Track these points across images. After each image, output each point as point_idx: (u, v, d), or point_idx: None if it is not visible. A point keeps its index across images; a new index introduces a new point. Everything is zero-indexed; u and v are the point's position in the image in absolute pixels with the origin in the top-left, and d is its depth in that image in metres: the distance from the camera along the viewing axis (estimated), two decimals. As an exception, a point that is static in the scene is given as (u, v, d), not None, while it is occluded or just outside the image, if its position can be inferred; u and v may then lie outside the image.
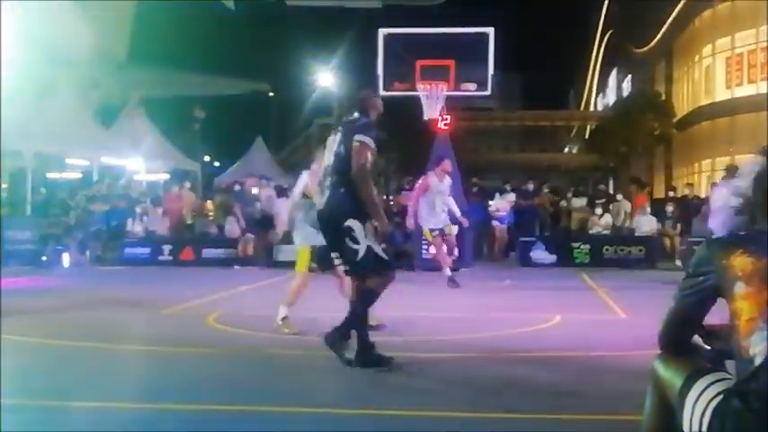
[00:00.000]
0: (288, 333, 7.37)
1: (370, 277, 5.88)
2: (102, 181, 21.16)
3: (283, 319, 7.53)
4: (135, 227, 18.48)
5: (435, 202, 12.33)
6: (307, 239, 7.56)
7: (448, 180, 12.49)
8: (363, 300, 5.91)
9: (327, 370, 6.03)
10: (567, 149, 64.98)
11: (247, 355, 6.66)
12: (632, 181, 24.38)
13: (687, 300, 2.57)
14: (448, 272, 12.34)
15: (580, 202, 19.67)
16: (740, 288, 2.34)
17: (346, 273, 6.35)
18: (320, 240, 6.71)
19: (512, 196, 19.18)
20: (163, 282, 14.00)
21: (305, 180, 7.79)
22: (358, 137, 5.85)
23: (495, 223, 18.50)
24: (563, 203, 20.15)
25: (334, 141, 6.04)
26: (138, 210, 18.98)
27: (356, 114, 6.17)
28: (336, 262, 6.29)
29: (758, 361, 2.24)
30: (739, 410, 2.23)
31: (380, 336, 6.91)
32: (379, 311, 6.82)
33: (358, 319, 5.90)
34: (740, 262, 2.37)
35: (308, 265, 7.57)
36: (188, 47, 33.72)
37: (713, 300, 2.51)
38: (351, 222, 5.80)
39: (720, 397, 2.31)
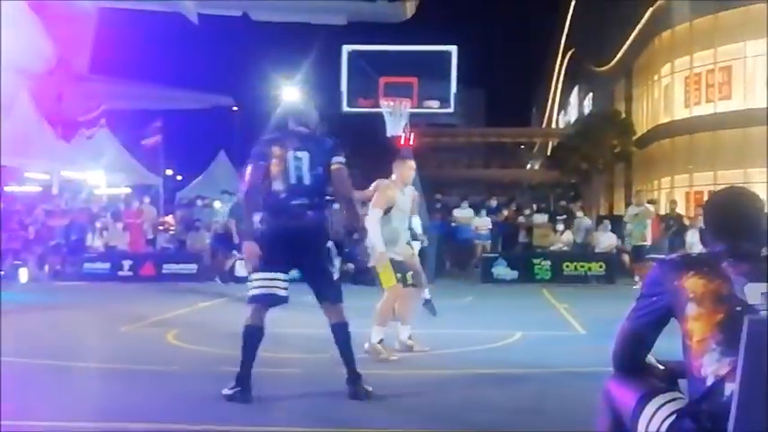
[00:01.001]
0: (385, 358, 7.12)
1: (338, 304, 5.74)
2: (61, 195, 20.90)
3: (380, 341, 7.26)
4: (95, 241, 18.27)
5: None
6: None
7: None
8: (349, 338, 5.71)
9: (287, 387, 6.01)
10: (529, 166, 65.68)
11: (205, 373, 6.58)
12: (574, 198, 24.86)
13: (640, 320, 2.59)
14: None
15: (542, 218, 19.90)
16: (692, 309, 2.38)
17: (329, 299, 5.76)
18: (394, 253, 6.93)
19: (469, 212, 19.40)
20: (123, 298, 13.83)
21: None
22: (338, 158, 5.64)
23: (476, 241, 18.64)
24: (521, 219, 20.36)
25: (292, 156, 5.60)
26: (98, 224, 18.76)
27: (305, 128, 5.79)
28: (284, 285, 5.72)
29: (710, 381, 2.29)
30: (692, 431, 2.26)
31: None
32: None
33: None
34: (692, 283, 2.41)
35: (396, 276, 7.26)
36: (151, 60, 33.54)
37: (666, 320, 2.55)
38: (330, 245, 5.70)
39: (674, 417, 2.34)
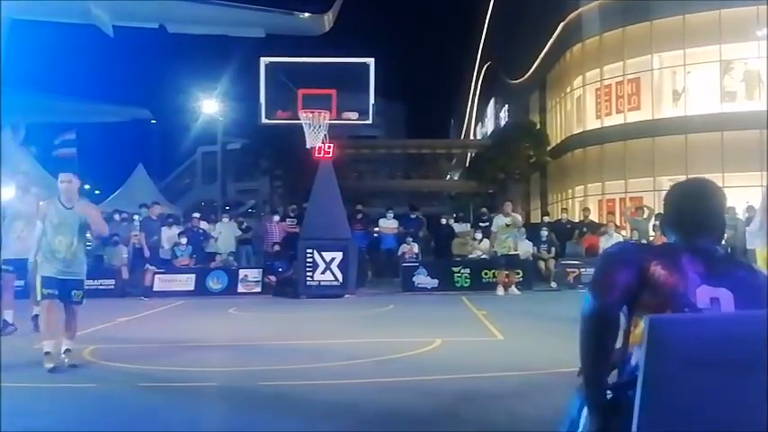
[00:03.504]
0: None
1: None
2: (-30, 211, 20.19)
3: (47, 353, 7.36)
4: (8, 258, 17.72)
5: (11, 227, 10.13)
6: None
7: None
8: None
9: (203, 399, 6.02)
10: (448, 176, 66.44)
11: (121, 389, 6.53)
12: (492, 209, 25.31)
13: (610, 298, 2.40)
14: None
15: (462, 227, 20.14)
16: (645, 297, 2.37)
17: None
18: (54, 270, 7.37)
19: (394, 222, 19.54)
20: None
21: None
22: None
23: (404, 247, 18.77)
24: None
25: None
26: (11, 240, 18.20)
27: None
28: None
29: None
30: (613, 419, 2.30)
31: (261, 365, 6.93)
32: (262, 341, 6.84)
33: None
34: (655, 272, 2.38)
35: (43, 292, 7.48)
36: (66, 72, 32.82)
37: (627, 303, 2.42)
38: None
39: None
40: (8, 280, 10.03)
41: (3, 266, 9.83)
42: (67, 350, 7.48)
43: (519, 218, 17.23)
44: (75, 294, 7.55)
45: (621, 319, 2.46)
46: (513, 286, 16.04)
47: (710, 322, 2.25)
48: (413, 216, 20.38)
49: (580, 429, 2.45)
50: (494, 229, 16.58)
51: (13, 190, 11.08)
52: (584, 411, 2.43)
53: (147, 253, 16.53)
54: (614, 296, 2.38)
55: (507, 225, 16.09)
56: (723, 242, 2.63)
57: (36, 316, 9.57)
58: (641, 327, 2.27)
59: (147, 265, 16.45)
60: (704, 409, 2.09)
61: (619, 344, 2.48)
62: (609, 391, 2.40)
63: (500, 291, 15.84)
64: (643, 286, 2.38)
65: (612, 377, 2.46)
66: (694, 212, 2.53)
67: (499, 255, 16.15)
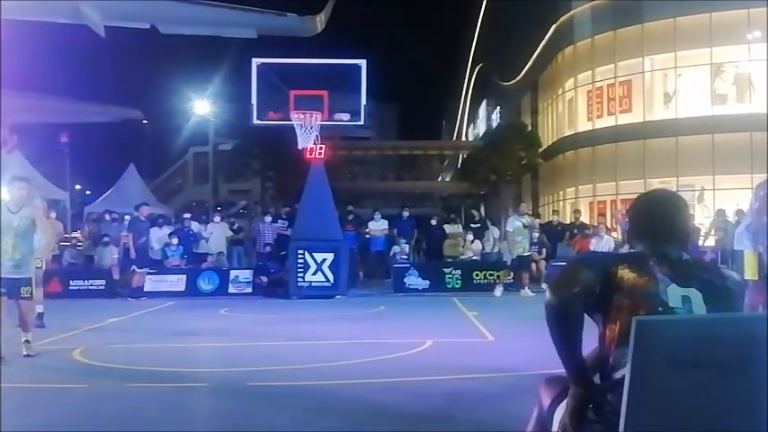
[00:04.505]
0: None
1: None
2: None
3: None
4: (-3, 259, 17.66)
5: None
6: None
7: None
8: None
9: (193, 400, 6.02)
10: (440, 178, 66.50)
11: (108, 391, 6.53)
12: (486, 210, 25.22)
13: (571, 292, 2.46)
14: None
15: (454, 228, 20.15)
16: (618, 300, 2.42)
17: None
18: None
19: (383, 224, 19.56)
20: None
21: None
22: None
23: (395, 248, 18.80)
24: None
25: None
26: (0, 241, 18.13)
27: None
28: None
29: (619, 374, 2.29)
30: (594, 422, 2.34)
31: (251, 366, 6.93)
32: (253, 341, 6.84)
33: None
34: (625, 274, 2.44)
35: None
36: (58, 73, 32.70)
37: (588, 304, 2.46)
38: None
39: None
40: None
41: None
42: (26, 341, 8.18)
43: (535, 220, 17.08)
44: (23, 291, 8.20)
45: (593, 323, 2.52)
46: (527, 288, 15.84)
47: (696, 324, 2.31)
48: (405, 216, 20.39)
49: (555, 428, 2.48)
50: (509, 229, 16.34)
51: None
52: (560, 408, 2.47)
53: (133, 254, 16.47)
54: (571, 292, 2.44)
55: (525, 226, 15.97)
56: (715, 244, 2.70)
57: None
58: (616, 329, 2.39)
59: (134, 267, 16.38)
60: (691, 409, 2.13)
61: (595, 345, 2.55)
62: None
63: (498, 291, 15.78)
64: (612, 290, 2.44)
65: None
66: (656, 222, 2.61)
67: (514, 256, 15.95)
